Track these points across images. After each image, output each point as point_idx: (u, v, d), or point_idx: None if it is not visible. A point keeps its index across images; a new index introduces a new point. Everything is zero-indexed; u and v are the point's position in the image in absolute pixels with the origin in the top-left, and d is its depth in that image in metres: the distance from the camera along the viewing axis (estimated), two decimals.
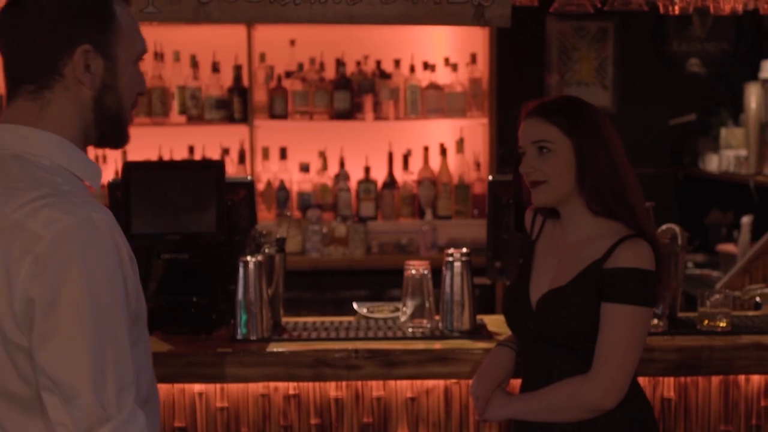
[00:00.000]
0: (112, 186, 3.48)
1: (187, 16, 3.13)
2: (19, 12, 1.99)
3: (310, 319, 3.50)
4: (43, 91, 2.00)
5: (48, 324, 1.83)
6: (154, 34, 5.87)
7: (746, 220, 5.71)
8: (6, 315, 1.86)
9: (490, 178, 3.69)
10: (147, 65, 5.89)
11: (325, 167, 6.07)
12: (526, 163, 2.67)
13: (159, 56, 5.92)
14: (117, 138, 2.13)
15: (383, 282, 5.51)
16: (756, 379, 3.22)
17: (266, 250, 3.33)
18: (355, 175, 6.09)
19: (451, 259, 3.31)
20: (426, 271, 3.30)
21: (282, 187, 5.98)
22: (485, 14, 3.17)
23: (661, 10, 3.61)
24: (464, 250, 3.34)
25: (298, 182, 6.08)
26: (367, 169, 6.05)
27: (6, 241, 1.85)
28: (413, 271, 3.30)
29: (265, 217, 5.88)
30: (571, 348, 2.60)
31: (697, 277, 6.03)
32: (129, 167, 3.34)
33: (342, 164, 6.07)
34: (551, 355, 2.64)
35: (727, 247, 6.08)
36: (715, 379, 3.22)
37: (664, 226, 3.46)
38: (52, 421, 1.86)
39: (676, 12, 3.63)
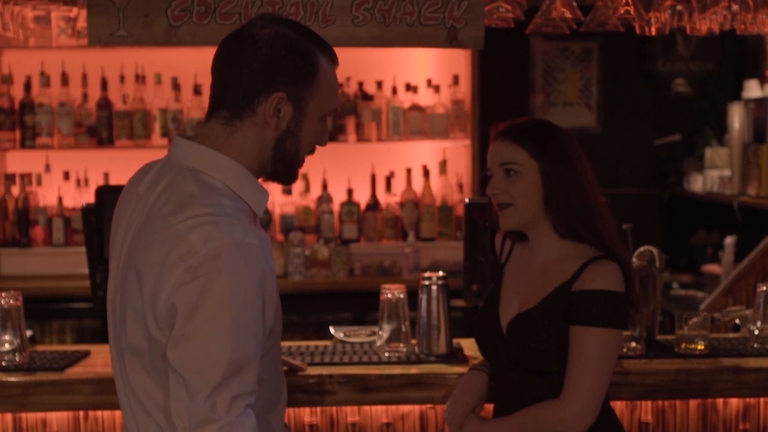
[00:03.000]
0: (86, 211, 3.44)
1: (158, 40, 3.11)
2: (237, 45, 2.22)
3: (286, 343, 3.46)
4: (235, 120, 2.22)
5: (186, 328, 2.06)
6: (134, 57, 5.88)
7: (729, 240, 5.70)
8: (150, 311, 2.11)
9: (467, 200, 3.68)
10: (128, 87, 5.89)
11: (307, 189, 6.04)
12: (492, 185, 2.66)
13: (140, 79, 5.90)
14: (287, 176, 2.35)
15: (366, 304, 5.47)
16: (734, 402, 3.21)
17: None
18: (338, 197, 6.06)
19: (427, 282, 3.29)
20: (402, 295, 3.28)
21: (265, 210, 5.93)
22: (458, 36, 3.15)
23: (638, 30, 3.60)
24: (440, 273, 3.32)
25: (280, 205, 6.06)
26: (349, 191, 6.02)
27: (168, 247, 2.08)
28: (389, 295, 3.28)
29: None
30: (541, 371, 2.58)
31: (682, 298, 6.01)
32: (102, 191, 3.32)
33: (325, 186, 6.04)
34: (522, 379, 2.62)
35: (712, 268, 6.06)
36: (693, 403, 3.20)
37: (641, 248, 3.45)
38: (172, 410, 2.11)
39: (653, 33, 3.63)
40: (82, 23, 3.47)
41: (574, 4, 3.46)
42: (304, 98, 2.23)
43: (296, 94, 2.22)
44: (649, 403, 3.19)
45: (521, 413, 2.59)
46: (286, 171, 2.32)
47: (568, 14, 3.45)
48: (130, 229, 2.23)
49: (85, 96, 5.91)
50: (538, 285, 2.63)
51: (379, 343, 3.29)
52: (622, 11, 3.46)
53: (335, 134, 5.96)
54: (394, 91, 6.03)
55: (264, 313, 2.15)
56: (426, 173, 6.06)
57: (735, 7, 3.52)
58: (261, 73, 2.19)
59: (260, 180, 2.32)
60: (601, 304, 2.52)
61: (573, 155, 2.62)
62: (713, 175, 6.26)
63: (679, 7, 3.52)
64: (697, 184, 6.49)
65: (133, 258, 2.18)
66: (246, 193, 2.22)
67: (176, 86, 5.87)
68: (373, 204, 6.05)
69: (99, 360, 3.32)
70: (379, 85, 6.03)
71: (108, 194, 3.26)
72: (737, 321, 3.73)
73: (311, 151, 2.34)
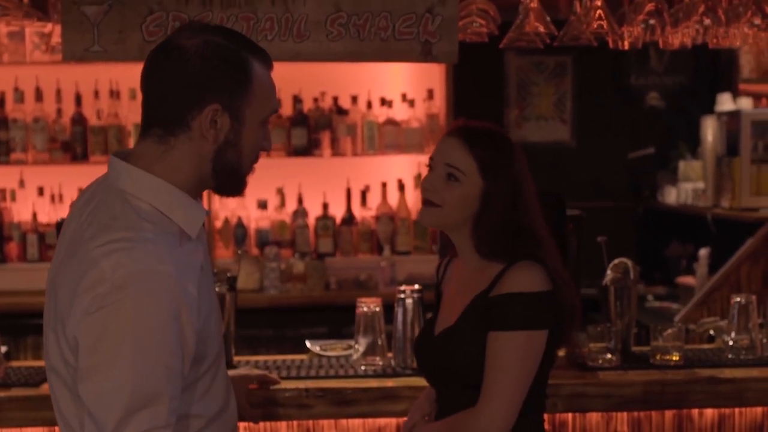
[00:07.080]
0: (60, 226, 3.42)
1: (132, 55, 3.11)
2: (164, 59, 2.13)
3: (261, 358, 3.46)
4: (169, 137, 2.14)
5: (90, 360, 2.00)
6: (109, 73, 5.86)
7: (703, 252, 5.73)
8: (62, 335, 2.07)
9: None
10: (103, 103, 5.89)
11: (282, 204, 6.04)
12: (429, 180, 2.56)
13: (115, 94, 5.89)
14: (233, 188, 2.27)
15: (342, 318, 5.43)
16: (709, 412, 3.22)
17: (216, 288, 3.30)
18: (313, 211, 6.06)
19: (403, 296, 3.29)
20: (377, 308, 3.28)
21: (240, 224, 5.94)
22: (432, 51, 3.16)
23: (611, 44, 3.63)
24: (416, 287, 3.32)
25: (255, 219, 6.05)
26: (325, 206, 6.02)
27: (82, 272, 2.01)
28: (365, 309, 3.28)
29: (223, 254, 5.85)
30: (472, 384, 2.49)
31: (657, 310, 6.04)
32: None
33: (300, 201, 6.04)
34: (455, 392, 2.57)
35: (687, 280, 6.10)
36: (669, 414, 3.21)
37: (616, 260, 3.47)
38: None
39: (626, 47, 3.66)
40: (56, 39, 3.46)
41: (548, 18, 3.48)
42: (241, 106, 2.15)
43: (232, 104, 2.13)
44: (625, 414, 3.20)
45: (444, 422, 2.55)
46: (231, 183, 2.25)
47: (541, 29, 3.47)
48: (62, 244, 2.19)
49: (59, 111, 5.90)
50: (460, 298, 2.58)
51: (355, 357, 3.29)
52: (595, 26, 3.49)
53: (310, 149, 5.98)
54: (369, 105, 6.05)
55: (184, 339, 2.06)
56: (401, 187, 6.06)
57: (707, 22, 3.56)
58: (192, 85, 2.11)
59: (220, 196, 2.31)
60: (517, 307, 2.43)
61: (520, 180, 2.53)
62: (687, 187, 6.30)
63: (651, 22, 3.55)
64: (671, 196, 6.53)
65: (56, 276, 2.14)
66: (177, 214, 2.14)
67: None
68: (349, 218, 6.06)
69: None
70: (354, 99, 6.05)
71: None
72: (712, 332, 3.76)
73: (255, 159, 2.25)
